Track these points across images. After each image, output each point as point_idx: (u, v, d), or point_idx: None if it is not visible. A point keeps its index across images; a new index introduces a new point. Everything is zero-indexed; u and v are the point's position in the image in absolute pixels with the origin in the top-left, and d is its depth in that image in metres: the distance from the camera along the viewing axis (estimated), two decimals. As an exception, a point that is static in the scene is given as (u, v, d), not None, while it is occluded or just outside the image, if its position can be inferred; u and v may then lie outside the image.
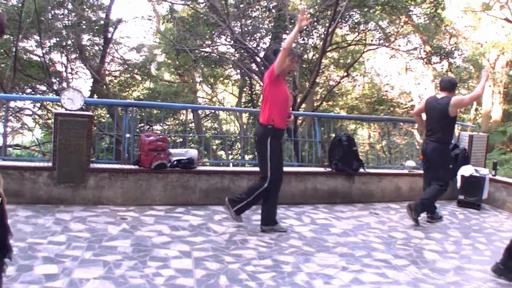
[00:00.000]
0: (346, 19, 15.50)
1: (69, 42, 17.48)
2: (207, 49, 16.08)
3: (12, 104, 10.35)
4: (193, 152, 7.53)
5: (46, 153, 12.90)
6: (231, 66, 18.81)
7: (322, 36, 15.04)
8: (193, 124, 21.07)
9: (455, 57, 17.40)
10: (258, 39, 16.59)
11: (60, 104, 6.70)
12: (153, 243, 5.26)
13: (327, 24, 13.40)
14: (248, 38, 15.47)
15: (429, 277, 4.93)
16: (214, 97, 25.83)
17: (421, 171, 8.70)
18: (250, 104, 20.98)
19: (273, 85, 5.99)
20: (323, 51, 13.82)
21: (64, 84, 17.73)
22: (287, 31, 14.85)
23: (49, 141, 15.76)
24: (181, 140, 9.65)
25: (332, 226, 6.69)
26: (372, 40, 17.70)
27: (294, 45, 6.66)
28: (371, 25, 16.49)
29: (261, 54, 15.34)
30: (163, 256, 4.86)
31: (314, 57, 17.15)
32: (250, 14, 15.88)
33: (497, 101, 21.07)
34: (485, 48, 20.98)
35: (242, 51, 15.75)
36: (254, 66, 16.34)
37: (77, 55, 18.31)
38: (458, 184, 8.54)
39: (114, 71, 21.38)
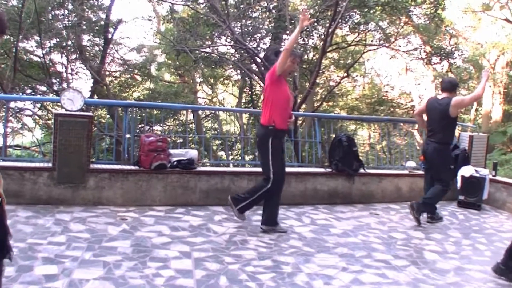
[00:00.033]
0: (346, 20, 15.48)
1: (69, 42, 17.47)
2: (207, 50, 16.07)
3: (12, 104, 10.36)
4: (193, 153, 7.53)
5: (46, 154, 12.90)
6: (231, 66, 18.80)
7: (322, 36, 15.03)
8: (193, 125, 21.09)
9: (455, 58, 17.38)
10: (258, 40, 16.58)
11: (60, 104, 6.70)
12: (153, 244, 5.26)
13: (327, 25, 13.40)
14: (248, 38, 15.46)
15: (429, 278, 4.93)
16: (214, 97, 25.83)
17: (422, 172, 8.72)
18: (250, 105, 20.98)
19: (274, 86, 5.99)
20: (323, 51, 13.82)
21: (64, 85, 17.73)
22: (287, 32, 14.85)
23: (49, 141, 15.76)
24: (181, 140, 9.64)
25: (332, 226, 6.69)
26: (372, 41, 17.70)
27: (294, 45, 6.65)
28: (371, 26, 16.47)
29: (261, 55, 15.33)
30: (163, 257, 4.86)
31: (314, 58, 17.14)
32: (250, 15, 15.86)
33: (497, 101, 21.06)
34: (485, 49, 20.98)
35: (242, 51, 15.73)
36: (254, 66, 16.33)
37: (77, 55, 18.30)
38: (458, 184, 8.54)
39: (114, 71, 21.38)
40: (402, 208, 8.14)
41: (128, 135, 7.96)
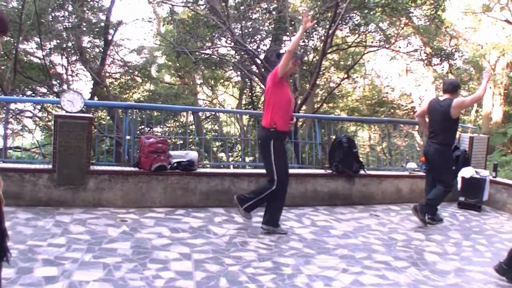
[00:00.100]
0: (347, 21, 15.52)
1: (70, 44, 17.45)
2: (208, 51, 16.08)
3: (12, 106, 10.37)
4: (193, 154, 7.52)
5: (47, 155, 12.90)
6: (231, 68, 18.81)
7: (323, 38, 15.06)
8: (193, 126, 21.10)
9: (456, 59, 17.39)
10: (258, 41, 16.60)
11: (60, 106, 6.70)
12: (153, 245, 5.25)
13: (328, 26, 13.41)
14: (249, 40, 15.47)
15: (430, 279, 4.93)
16: (214, 99, 25.85)
17: (422, 173, 8.72)
18: (250, 106, 21.01)
19: (276, 88, 5.99)
20: (323, 53, 13.82)
21: (65, 86, 17.73)
22: (288, 33, 14.86)
23: (49, 143, 15.76)
24: (181, 142, 9.63)
25: (333, 228, 6.68)
26: (372, 42, 17.71)
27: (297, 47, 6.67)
28: (371, 27, 16.50)
29: (262, 56, 15.35)
30: (163, 258, 4.85)
31: (314, 59, 17.16)
32: (251, 16, 15.88)
33: (498, 102, 21.06)
34: (485, 50, 21.00)
35: (243, 53, 15.74)
36: (254, 68, 16.34)
37: (77, 57, 18.29)
38: (459, 185, 8.54)
39: (114, 73, 21.37)
40: (402, 210, 8.13)
41: (128, 137, 7.96)
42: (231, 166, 12.56)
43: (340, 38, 18.80)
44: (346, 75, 18.92)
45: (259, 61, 14.88)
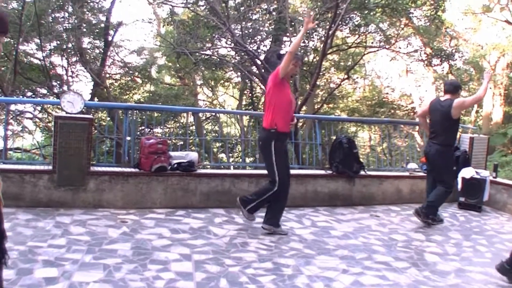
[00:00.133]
0: (347, 22, 15.52)
1: (70, 45, 17.46)
2: (208, 52, 16.07)
3: (12, 107, 10.37)
4: (193, 155, 7.53)
5: (47, 156, 12.89)
6: (231, 68, 18.82)
7: (323, 38, 15.04)
8: (193, 127, 21.11)
9: (456, 59, 17.39)
10: (258, 42, 16.60)
11: (60, 107, 6.70)
12: (153, 246, 5.25)
13: (328, 27, 13.41)
14: (249, 40, 15.47)
15: (430, 280, 4.92)
16: (214, 99, 25.85)
17: (422, 174, 8.72)
18: (250, 107, 21.01)
19: (277, 89, 5.99)
20: (323, 53, 13.82)
21: (65, 87, 17.74)
22: (288, 34, 14.85)
23: (49, 144, 15.75)
24: (181, 143, 9.63)
25: (333, 228, 6.68)
26: (372, 43, 17.72)
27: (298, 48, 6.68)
28: (371, 28, 16.51)
29: (262, 57, 15.34)
30: (163, 259, 4.85)
31: (314, 60, 17.17)
32: (251, 17, 15.89)
33: (498, 103, 21.07)
34: (485, 50, 21.01)
35: (243, 53, 15.74)
36: (254, 68, 16.34)
37: (77, 58, 18.30)
38: (459, 186, 8.54)
39: (114, 74, 21.38)
40: (402, 210, 8.13)
41: (128, 138, 7.97)
42: (232, 167, 12.54)
43: (340, 39, 18.81)
44: (346, 76, 18.93)
45: (259, 62, 14.88)
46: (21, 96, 17.36)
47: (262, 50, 16.59)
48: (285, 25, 14.63)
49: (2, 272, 2.79)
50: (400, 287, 4.69)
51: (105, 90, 19.24)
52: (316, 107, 20.98)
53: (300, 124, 16.78)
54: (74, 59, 18.53)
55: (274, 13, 15.60)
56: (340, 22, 13.69)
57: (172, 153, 7.40)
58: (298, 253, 5.47)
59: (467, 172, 8.51)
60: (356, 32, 16.46)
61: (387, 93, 24.92)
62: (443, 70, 19.48)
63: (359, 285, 4.65)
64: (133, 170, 7.08)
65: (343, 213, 7.62)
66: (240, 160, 15.29)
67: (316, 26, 15.10)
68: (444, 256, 5.82)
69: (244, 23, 15.25)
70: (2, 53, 15.91)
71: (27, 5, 14.67)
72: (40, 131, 19.64)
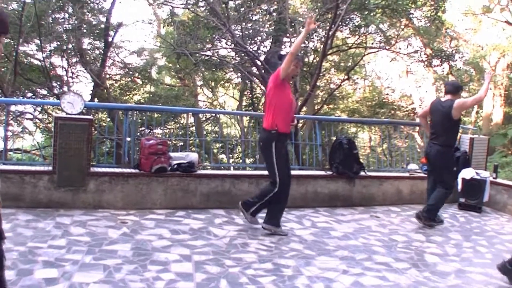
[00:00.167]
0: (347, 22, 15.52)
1: (70, 46, 17.48)
2: (208, 53, 16.08)
3: (12, 108, 10.37)
4: (193, 156, 7.53)
5: (47, 157, 12.89)
6: (231, 69, 18.82)
7: (323, 39, 15.04)
8: (193, 128, 21.12)
9: (456, 60, 17.39)
10: (258, 43, 16.62)
11: (60, 108, 6.70)
12: (153, 247, 5.25)
13: (328, 27, 13.41)
14: (249, 41, 15.48)
15: (430, 280, 4.92)
16: (215, 100, 25.85)
17: (423, 174, 8.73)
18: (251, 108, 21.01)
19: (278, 90, 5.99)
20: (323, 54, 13.82)
21: (65, 88, 17.75)
22: (288, 35, 14.86)
23: (49, 145, 15.76)
24: (181, 143, 9.63)
25: (333, 229, 6.68)
26: (372, 43, 17.72)
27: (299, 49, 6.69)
28: (371, 28, 16.53)
29: (262, 58, 15.35)
30: (163, 260, 4.85)
31: (314, 60, 17.16)
32: (251, 18, 15.90)
33: (498, 103, 21.06)
34: (485, 51, 21.01)
35: (243, 54, 15.75)
36: (254, 69, 16.35)
37: (77, 59, 18.32)
38: (459, 187, 8.53)
39: (114, 75, 21.40)
40: (403, 211, 8.13)
41: (128, 138, 7.97)
42: (232, 167, 12.55)
43: (341, 40, 18.81)
44: (346, 77, 18.93)
45: (259, 63, 14.88)
46: (21, 97, 17.38)
47: (262, 51, 16.63)
48: (285, 26, 14.63)
49: (4, 272, 2.79)
50: (400, 288, 4.70)
51: (105, 91, 19.25)
52: (316, 107, 20.99)
53: (300, 125, 16.78)
54: (74, 60, 18.56)
55: (274, 14, 15.62)
56: (340, 23, 13.69)
57: (172, 154, 7.40)
58: (298, 253, 5.47)
59: (467, 173, 8.51)
60: (356, 33, 16.47)
61: (387, 94, 24.92)
62: (443, 71, 19.48)
63: (359, 285, 4.64)
64: (133, 171, 7.08)
65: (343, 214, 7.62)
66: (240, 161, 15.29)
67: (317, 27, 15.12)
68: (444, 257, 5.81)
69: (244, 24, 15.26)
70: (3, 54, 15.93)
71: (27, 6, 14.67)
72: (40, 132, 19.66)
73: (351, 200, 8.26)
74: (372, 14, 14.35)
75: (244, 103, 22.83)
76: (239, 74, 19.81)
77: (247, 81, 19.47)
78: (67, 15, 17.11)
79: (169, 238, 5.62)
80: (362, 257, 5.53)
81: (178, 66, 19.89)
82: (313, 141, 9.43)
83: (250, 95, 21.54)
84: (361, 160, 8.69)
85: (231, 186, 7.41)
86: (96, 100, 18.31)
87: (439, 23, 15.86)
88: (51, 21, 16.50)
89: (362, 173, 8.39)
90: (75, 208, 6.52)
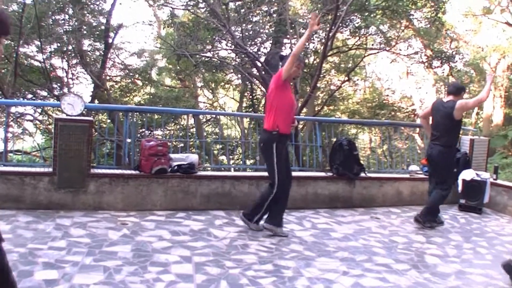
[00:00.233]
0: (347, 24, 15.51)
1: (70, 47, 17.49)
2: (208, 54, 16.07)
3: (13, 109, 10.37)
4: (193, 157, 7.52)
5: (47, 159, 12.90)
6: (232, 71, 18.82)
7: (323, 40, 15.04)
8: (194, 129, 21.12)
9: (456, 61, 17.36)
10: (259, 44, 16.61)
11: (60, 109, 6.70)
12: (153, 248, 5.24)
13: (328, 29, 13.40)
14: (249, 42, 15.46)
15: (430, 282, 4.92)
16: (215, 102, 25.84)
17: (423, 175, 8.72)
18: (251, 109, 21.00)
19: (279, 91, 5.99)
20: (324, 55, 13.82)
21: (65, 90, 17.75)
22: (288, 36, 14.86)
23: (50, 146, 15.77)
24: (182, 145, 9.63)
25: (333, 230, 6.68)
26: (373, 45, 17.70)
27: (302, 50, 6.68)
28: (372, 30, 16.51)
29: (262, 59, 15.34)
30: (163, 261, 4.85)
31: (315, 62, 17.16)
32: (251, 19, 15.88)
33: (498, 105, 21.07)
34: (486, 52, 21.01)
35: (243, 55, 15.74)
36: (255, 71, 16.33)
37: (78, 60, 18.32)
38: (459, 188, 8.53)
39: (115, 76, 21.42)
40: (403, 212, 8.13)
41: (128, 140, 7.97)
42: (232, 169, 12.57)
43: (341, 41, 18.80)
44: (346, 78, 18.91)
45: (259, 64, 14.88)
46: (21, 98, 17.38)
47: (262, 52, 16.62)
48: (285, 27, 14.64)
49: (11, 272, 2.79)
50: (401, 289, 4.69)
51: (105, 92, 19.26)
52: (316, 109, 20.98)
53: (300, 126, 16.79)
54: (74, 61, 18.56)
55: (274, 15, 15.60)
56: (340, 24, 13.68)
57: (172, 155, 7.40)
58: (298, 255, 5.47)
59: (467, 174, 8.51)
60: (357, 34, 16.46)
61: (387, 95, 24.92)
62: (443, 72, 19.47)
63: (359, 287, 4.64)
64: (133, 172, 7.08)
65: (343, 215, 7.62)
66: (241, 162, 15.30)
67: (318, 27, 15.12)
68: (444, 258, 5.81)
69: (244, 25, 15.24)
70: (3, 55, 15.95)
71: (28, 7, 14.68)
72: (40, 133, 19.67)
73: (351, 201, 8.26)
74: (372, 15, 14.35)
75: (244, 105, 22.82)
76: (239, 76, 19.81)
77: (247, 82, 19.47)
78: (67, 16, 17.11)
79: (169, 240, 5.62)
80: (362, 259, 5.53)
81: (178, 67, 19.91)
82: (313, 142, 9.44)
83: (251, 97, 21.54)
84: (361, 162, 8.69)
85: (231, 187, 7.41)
86: (96, 101, 18.32)
87: (439, 24, 15.84)
88: (51, 23, 16.52)
89: (362, 175, 8.39)
90: (75, 209, 6.52)
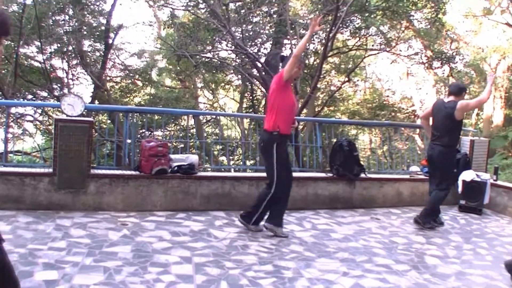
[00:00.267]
0: (347, 24, 15.52)
1: (70, 48, 17.51)
2: (208, 55, 16.08)
3: (13, 110, 10.37)
4: (193, 158, 7.52)
5: (47, 159, 12.90)
6: (232, 71, 18.82)
7: (323, 41, 15.05)
8: (194, 130, 21.11)
9: (456, 62, 17.38)
10: (259, 45, 16.63)
11: (60, 110, 6.70)
12: (153, 249, 5.24)
13: (328, 29, 13.41)
14: (249, 43, 15.48)
15: (430, 282, 4.92)
16: (215, 102, 25.85)
17: (423, 176, 8.72)
18: (251, 110, 21.01)
19: (280, 91, 6.00)
20: (324, 56, 13.82)
21: (65, 90, 17.76)
22: (288, 36, 14.86)
23: (50, 147, 15.76)
24: (182, 145, 9.63)
25: (333, 231, 6.68)
26: (373, 45, 17.71)
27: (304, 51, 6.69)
28: (372, 30, 16.52)
29: (262, 60, 15.34)
30: (163, 262, 4.85)
31: (315, 62, 17.16)
32: (251, 20, 15.89)
33: (499, 106, 21.07)
34: (486, 53, 21.02)
35: (243, 56, 15.74)
36: (255, 71, 16.34)
37: (78, 61, 18.34)
38: (460, 189, 8.53)
39: (115, 77, 21.42)
40: (403, 213, 8.13)
41: (128, 140, 7.97)
42: (232, 169, 12.55)
43: (341, 42, 18.79)
44: (347, 79, 18.90)
45: (259, 65, 14.88)
46: (21, 99, 17.38)
47: (262, 53, 16.63)
48: (285, 28, 14.64)
49: (13, 271, 2.79)
50: (401, 290, 4.69)
51: (105, 92, 19.27)
52: (316, 109, 20.98)
53: (300, 127, 16.78)
54: (74, 61, 18.58)
55: (274, 16, 15.61)
56: (340, 25, 13.69)
57: (172, 156, 7.40)
58: (298, 255, 5.47)
59: (467, 175, 8.50)
60: (357, 35, 16.47)
61: (387, 96, 24.91)
62: (443, 73, 19.49)
63: (359, 287, 4.65)
64: (133, 172, 7.08)
65: (343, 216, 7.62)
66: (241, 162, 15.29)
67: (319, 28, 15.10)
68: (444, 259, 5.81)
69: (244, 25, 15.25)
70: (3, 56, 15.97)
71: (28, 8, 14.68)
72: (40, 134, 19.67)
73: (352, 202, 8.26)
74: (372, 16, 14.36)
75: (244, 105, 22.83)
76: (239, 76, 19.82)
77: (248, 83, 19.48)
78: (67, 17, 17.13)
79: (169, 240, 5.62)
80: (362, 259, 5.53)
81: (178, 68, 19.92)
82: (313, 143, 9.44)
83: (251, 97, 21.55)
84: (361, 162, 8.70)
85: (231, 188, 7.41)
86: (96, 102, 18.34)
87: (439, 25, 15.85)
88: (51, 23, 16.52)
89: (363, 175, 8.39)
90: (75, 210, 6.52)
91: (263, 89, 16.29)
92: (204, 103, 26.11)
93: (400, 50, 17.48)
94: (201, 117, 22.21)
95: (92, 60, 19.29)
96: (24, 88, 17.62)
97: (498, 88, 20.47)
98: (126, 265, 4.65)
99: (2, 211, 6.09)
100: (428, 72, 21.34)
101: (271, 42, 16.49)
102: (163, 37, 20.00)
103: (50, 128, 18.00)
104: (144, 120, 13.61)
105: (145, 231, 5.91)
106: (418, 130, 17.81)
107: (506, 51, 20.09)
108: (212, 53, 16.20)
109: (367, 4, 13.50)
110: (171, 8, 16.85)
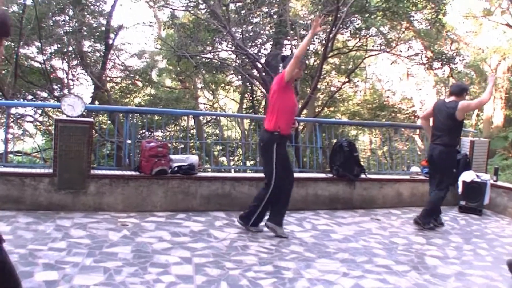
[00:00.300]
0: (347, 25, 15.53)
1: (70, 48, 17.51)
2: (208, 55, 16.08)
3: (13, 110, 10.36)
4: (193, 158, 7.52)
5: (47, 160, 12.90)
6: (232, 72, 18.83)
7: (323, 42, 15.05)
8: (194, 130, 21.11)
9: (457, 63, 17.39)
10: (259, 45, 16.63)
11: (61, 110, 6.70)
12: (153, 249, 5.24)
13: (328, 30, 13.41)
14: (249, 44, 15.48)
15: (430, 283, 4.91)
16: (215, 103, 25.84)
17: (423, 177, 8.72)
18: (251, 110, 21.01)
19: (281, 92, 6.00)
20: (324, 57, 13.81)
21: (65, 91, 17.76)
22: (288, 37, 14.87)
23: (50, 147, 15.77)
24: (182, 146, 9.63)
25: (333, 232, 6.68)
26: (373, 46, 17.72)
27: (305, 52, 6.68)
28: (372, 31, 16.53)
29: (262, 60, 15.35)
30: (163, 263, 4.84)
31: (315, 63, 17.16)
32: (251, 20, 15.89)
33: (499, 106, 21.06)
34: (486, 54, 21.00)
35: (243, 57, 15.75)
36: (255, 72, 16.35)
37: (78, 61, 18.34)
38: (460, 189, 8.53)
39: (115, 77, 21.42)
40: (403, 214, 8.13)
41: (129, 141, 7.97)
42: (232, 170, 12.54)
43: (341, 42, 18.79)
44: (347, 79, 18.91)
45: (260, 65, 14.89)
46: (21, 100, 17.37)
47: (262, 53, 16.63)
48: (285, 29, 14.64)
49: (14, 271, 2.79)
50: (401, 291, 4.69)
51: (105, 93, 19.27)
52: (316, 110, 20.98)
53: (300, 127, 16.78)
54: (74, 62, 18.59)
55: (274, 16, 15.61)
56: (341, 26, 13.69)
57: (172, 156, 7.40)
58: (298, 256, 5.47)
59: (467, 176, 8.50)
60: (357, 36, 16.48)
61: (388, 97, 24.91)
62: (444, 74, 19.49)
63: (359, 288, 4.65)
64: (133, 173, 7.08)
65: (343, 217, 7.62)
66: (241, 163, 15.27)
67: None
68: (444, 260, 5.81)
69: (244, 26, 15.25)
70: (3, 56, 15.97)
71: (28, 8, 14.69)
72: (40, 134, 19.66)
73: (352, 202, 8.26)
74: (372, 16, 14.37)
75: (244, 106, 22.83)
76: (239, 77, 19.83)
77: (248, 83, 19.48)
78: (67, 17, 17.13)
79: (169, 241, 5.62)
80: (362, 260, 5.52)
81: (178, 68, 19.91)
82: (313, 144, 9.43)
83: (251, 98, 21.55)
84: (361, 163, 8.70)
85: (231, 188, 7.41)
86: (96, 102, 18.34)
87: (439, 26, 15.86)
88: (51, 24, 16.53)
89: (363, 176, 8.40)
90: (75, 210, 6.52)
91: (263, 90, 16.29)
92: (204, 104, 26.12)
93: (400, 51, 17.50)
94: (201, 118, 22.21)
95: (92, 60, 19.30)
96: (24, 88, 17.63)
97: (498, 89, 20.45)
98: (126, 266, 4.65)
99: (2, 211, 6.09)
100: (428, 73, 21.34)
101: (271, 43, 16.51)
102: (163, 37, 20.01)
103: (50, 128, 18.00)
104: (144, 120, 13.61)
105: (145, 231, 5.91)
106: (418, 130, 17.84)
107: (506, 52, 20.08)
108: (212, 53, 16.22)
109: (367, 4, 13.51)
110: (171, 8, 16.87)
